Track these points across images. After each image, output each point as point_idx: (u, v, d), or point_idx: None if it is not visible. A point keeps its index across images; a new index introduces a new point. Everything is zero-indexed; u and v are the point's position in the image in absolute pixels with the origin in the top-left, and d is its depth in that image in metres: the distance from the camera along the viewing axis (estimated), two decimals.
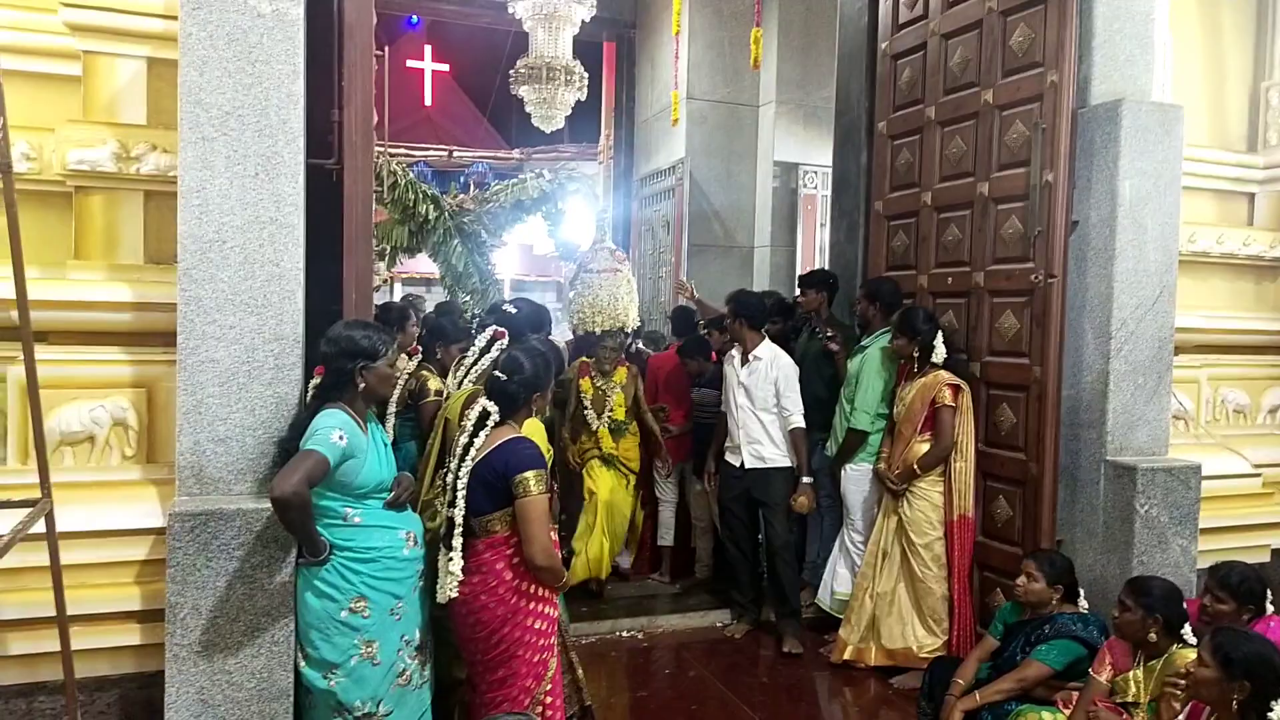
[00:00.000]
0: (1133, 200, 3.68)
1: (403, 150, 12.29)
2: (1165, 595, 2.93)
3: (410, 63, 14.75)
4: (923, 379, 4.05)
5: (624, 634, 4.61)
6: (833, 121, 5.66)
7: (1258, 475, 4.24)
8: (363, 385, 2.57)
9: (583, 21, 7.45)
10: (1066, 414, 3.84)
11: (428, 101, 15.37)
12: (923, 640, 4.02)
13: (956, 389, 4.00)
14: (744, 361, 4.40)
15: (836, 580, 4.41)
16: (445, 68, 15.63)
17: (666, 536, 5.28)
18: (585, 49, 8.74)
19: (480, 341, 3.21)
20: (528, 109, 7.70)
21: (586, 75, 7.58)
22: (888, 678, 4.05)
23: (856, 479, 4.34)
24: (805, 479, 4.37)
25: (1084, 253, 3.79)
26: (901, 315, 4.15)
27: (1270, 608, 2.98)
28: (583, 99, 7.77)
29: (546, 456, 2.79)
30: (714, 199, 8.02)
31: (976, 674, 3.43)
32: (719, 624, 4.74)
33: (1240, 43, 4.53)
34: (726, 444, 4.56)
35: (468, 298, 9.88)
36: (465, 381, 3.20)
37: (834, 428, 4.50)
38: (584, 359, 4.82)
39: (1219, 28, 4.46)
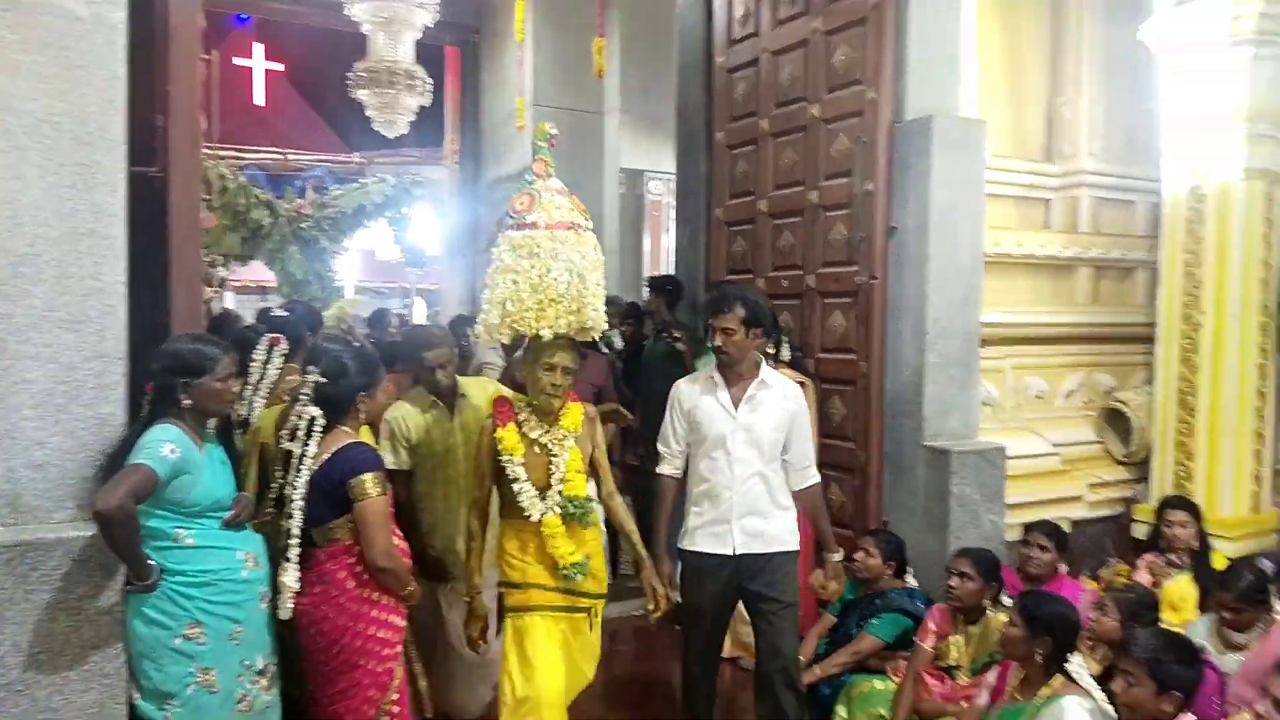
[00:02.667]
0: (943, 207, 4.00)
1: (232, 152, 11.73)
2: (997, 565, 3.28)
3: (238, 60, 14.09)
4: None
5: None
6: (675, 130, 5.86)
7: (1057, 454, 4.69)
8: (189, 402, 2.46)
9: (425, 26, 7.37)
10: (889, 404, 4.13)
11: (259, 101, 14.72)
12: None
13: (802, 385, 4.22)
14: (741, 393, 3.06)
15: None
16: (279, 67, 15.02)
17: None
18: (428, 53, 8.64)
19: (259, 355, 3.14)
20: (368, 113, 7.54)
21: (430, 81, 7.49)
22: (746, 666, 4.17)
23: None
24: (834, 555, 3.24)
25: (902, 256, 4.09)
26: (772, 317, 4.29)
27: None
28: (426, 104, 7.68)
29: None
30: None
31: (815, 649, 3.65)
32: (636, 611, 4.72)
33: (1037, 63, 4.98)
34: (694, 522, 3.12)
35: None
36: (255, 399, 3.11)
37: None
38: (501, 394, 3.04)
39: (1018, 49, 4.90)
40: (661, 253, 8.07)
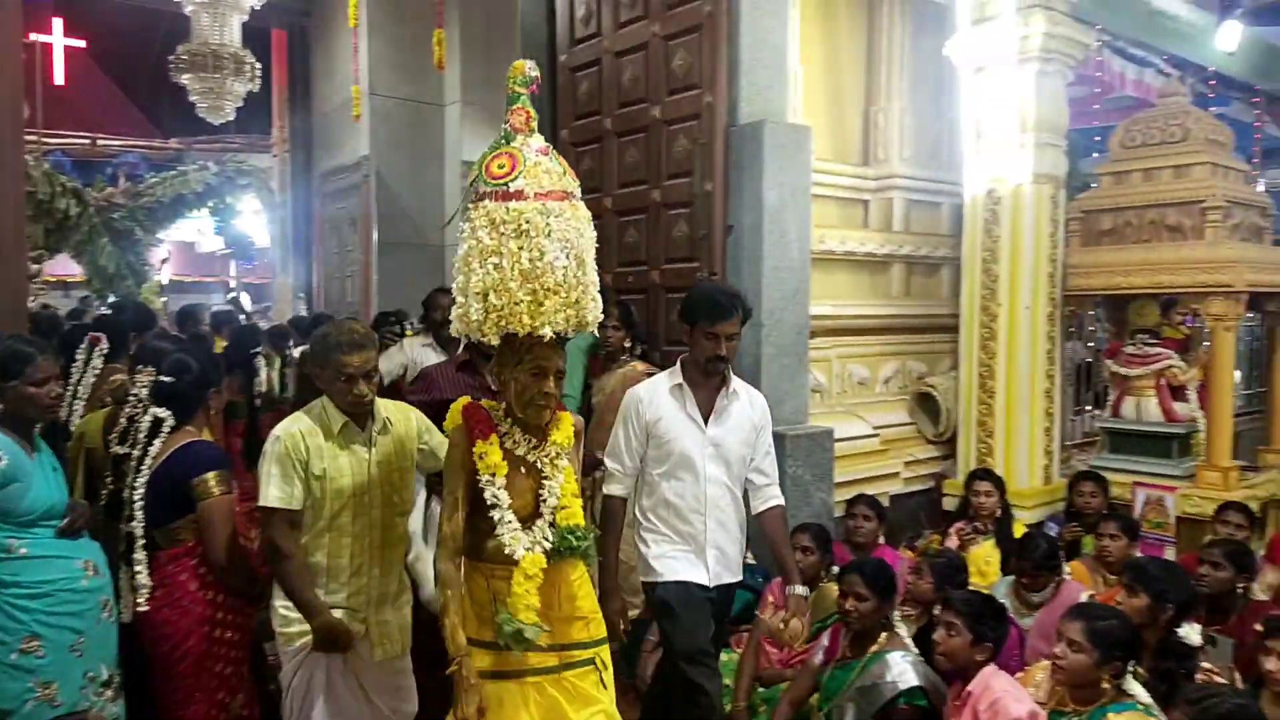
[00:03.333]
0: (775, 207, 4.27)
1: (33, 137, 10.76)
2: (830, 538, 3.58)
3: (36, 36, 12.89)
4: (621, 370, 4.39)
5: None
6: None
7: (877, 435, 5.11)
8: (2, 407, 2.36)
9: (252, 8, 7.05)
10: None
11: (59, 81, 13.52)
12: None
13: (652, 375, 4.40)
14: (710, 403, 2.79)
15: None
16: (80, 43, 13.84)
17: None
18: (252, 35, 8.25)
19: (80, 355, 3.03)
20: (192, 98, 7.13)
21: (259, 65, 7.17)
22: None
23: None
24: (798, 589, 2.84)
25: (739, 253, 4.33)
26: (624, 310, 4.43)
27: None
28: (255, 90, 7.34)
29: None
30: (403, 197, 7.97)
31: None
32: None
33: (854, 73, 5.37)
34: (657, 550, 2.77)
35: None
36: (76, 402, 2.99)
37: None
38: (468, 399, 2.42)
39: (839, 60, 5.27)
40: None
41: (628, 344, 4.26)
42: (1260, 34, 6.84)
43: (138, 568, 2.48)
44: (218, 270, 15.62)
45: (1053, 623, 3.10)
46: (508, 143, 2.30)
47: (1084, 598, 3.28)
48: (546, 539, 2.28)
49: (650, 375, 4.22)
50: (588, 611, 2.40)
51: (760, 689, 3.36)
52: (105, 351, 3.06)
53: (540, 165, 2.27)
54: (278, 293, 9.72)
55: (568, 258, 2.23)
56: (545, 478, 2.34)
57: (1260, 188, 7.96)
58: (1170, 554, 4.25)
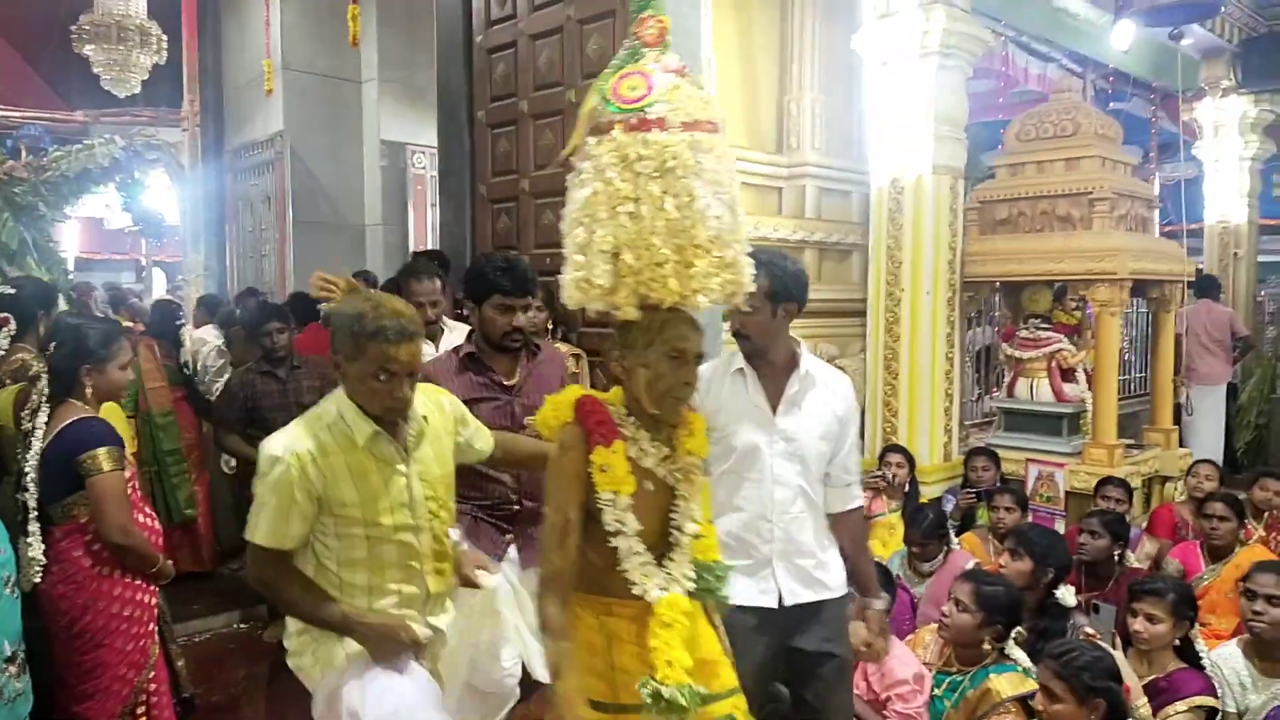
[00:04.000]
0: None
1: None
2: None
3: None
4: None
5: (241, 626, 4.51)
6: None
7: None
8: None
9: None
10: None
11: None
12: None
13: (578, 357, 4.47)
14: (779, 390, 2.34)
15: None
16: None
17: None
18: (161, 4, 7.98)
19: None
20: (95, 70, 6.88)
21: (165, 38, 6.95)
22: None
23: None
24: (877, 602, 2.50)
25: None
26: (546, 291, 4.46)
27: None
28: (161, 63, 7.11)
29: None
30: (320, 175, 7.83)
31: None
32: None
33: (768, 63, 5.49)
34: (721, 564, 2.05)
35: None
36: None
37: None
38: (580, 390, 2.00)
39: (752, 50, 5.37)
40: (426, 228, 8.01)
41: (549, 325, 4.33)
42: (1154, 34, 7.19)
43: (30, 540, 2.48)
44: (127, 248, 15.04)
45: (942, 590, 3.30)
46: (636, 60, 1.85)
47: (971, 565, 3.49)
48: (686, 577, 1.83)
49: (576, 356, 4.33)
50: (718, 655, 1.96)
51: None
52: (12, 333, 3.01)
53: (681, 89, 1.82)
54: (189, 271, 9.45)
55: (722, 205, 1.78)
56: (680, 497, 1.90)
57: (1156, 181, 8.40)
58: (1060, 526, 4.52)
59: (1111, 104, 7.75)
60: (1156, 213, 5.92)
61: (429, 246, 7.86)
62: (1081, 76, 7.23)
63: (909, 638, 3.15)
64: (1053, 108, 5.30)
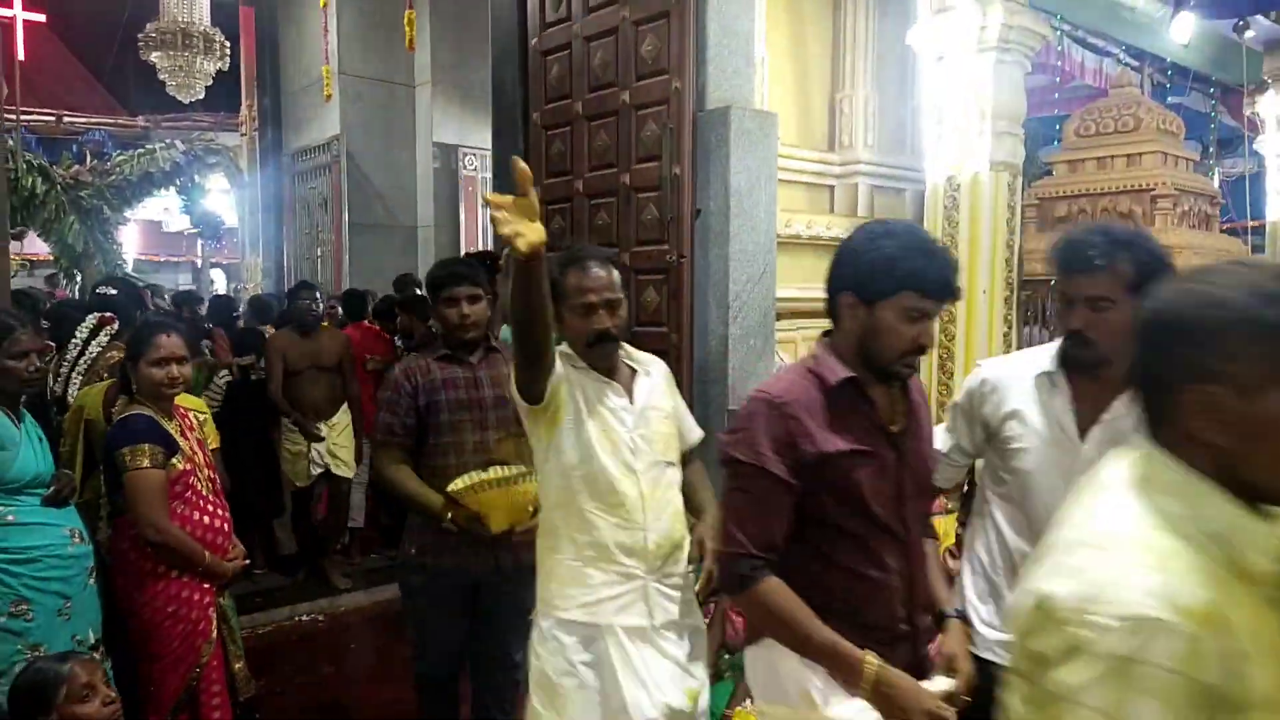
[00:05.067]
0: (741, 192, 4.37)
1: None
2: None
3: None
4: None
5: (304, 618, 4.61)
6: (489, 105, 5.94)
7: None
8: None
9: None
10: (698, 373, 4.49)
11: (20, 56, 13.26)
12: None
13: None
14: (1096, 406, 1.89)
15: None
16: (40, 18, 13.59)
17: (358, 518, 5.34)
18: (221, 12, 8.20)
19: (82, 332, 3.10)
20: (161, 77, 7.10)
21: (228, 44, 7.14)
22: None
23: None
24: None
25: (706, 236, 4.44)
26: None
27: None
28: (225, 69, 7.31)
29: None
30: (374, 178, 7.98)
31: None
32: None
33: (821, 60, 5.48)
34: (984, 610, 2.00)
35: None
36: (75, 375, 3.06)
37: None
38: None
39: (805, 48, 5.37)
40: (477, 229, 8.12)
41: None
42: (1214, 26, 7.03)
43: (103, 525, 2.58)
44: (184, 250, 15.45)
45: None
46: None
47: None
48: None
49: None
50: None
51: (727, 656, 3.50)
52: (114, 331, 3.13)
53: None
54: (247, 273, 9.68)
55: None
56: None
57: (1216, 177, 8.20)
58: None
59: (1170, 98, 7.59)
60: (1218, 209, 5.79)
61: (479, 247, 7.97)
62: (1139, 71, 7.10)
63: None
64: (1113, 102, 5.22)
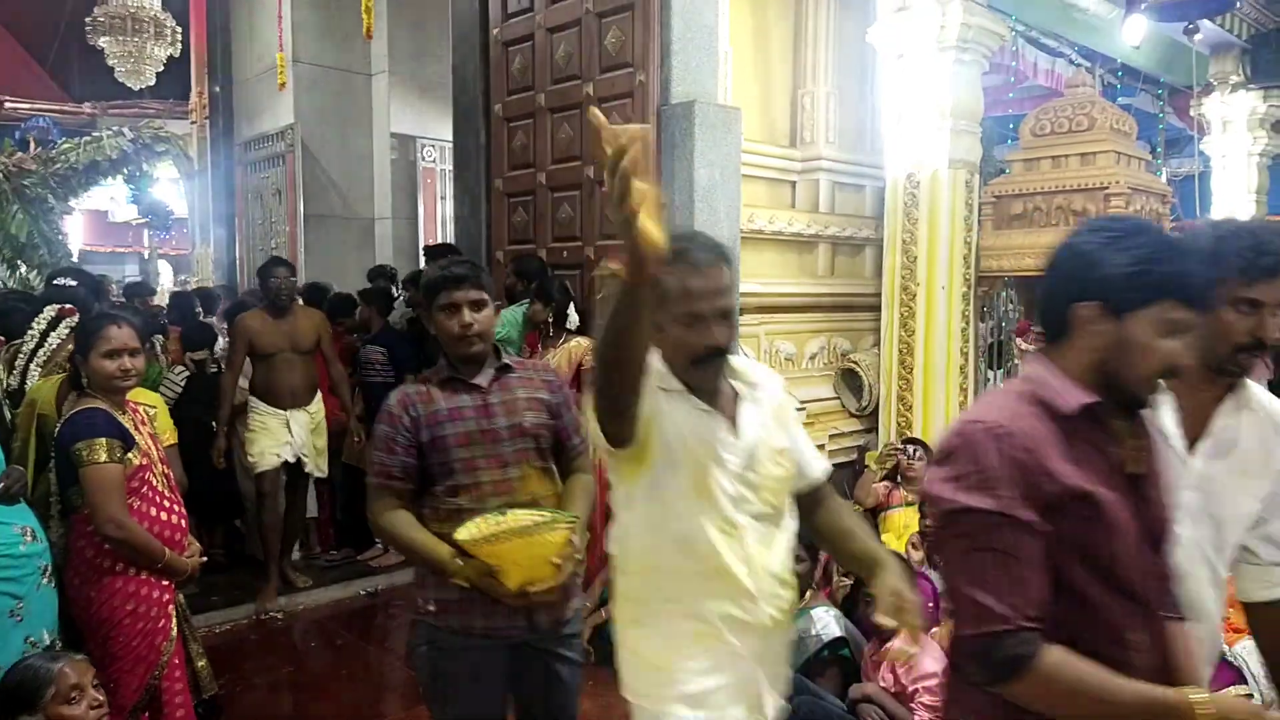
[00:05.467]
0: (706, 187, 4.38)
1: None
2: None
3: None
4: (566, 344, 4.46)
5: (262, 617, 4.53)
6: (448, 96, 5.87)
7: (804, 409, 5.29)
8: None
9: None
10: None
11: None
12: None
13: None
14: (1201, 417, 1.79)
15: None
16: None
17: (311, 507, 5.26)
18: None
19: (39, 324, 3.01)
20: (110, 63, 6.89)
21: (180, 30, 6.95)
22: None
23: None
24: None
25: (671, 230, 4.43)
26: (538, 284, 4.51)
27: None
28: (175, 54, 7.12)
29: None
30: (330, 168, 7.84)
31: (600, 596, 3.97)
32: (361, 591, 4.83)
33: (783, 56, 5.50)
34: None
35: (35, 272, 8.60)
36: (33, 369, 2.97)
37: None
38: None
39: (768, 43, 5.39)
40: (436, 221, 8.02)
41: (550, 319, 4.34)
42: (1163, 29, 7.19)
43: (54, 520, 2.51)
44: (131, 240, 15.06)
45: None
46: None
47: None
48: None
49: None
50: None
51: None
52: (73, 324, 3.02)
53: None
54: (197, 264, 9.46)
55: None
56: None
57: (1163, 176, 8.41)
58: None
59: (1120, 99, 7.76)
60: (1169, 208, 5.93)
61: (439, 239, 7.89)
62: (1090, 71, 7.24)
63: (934, 630, 3.18)
64: (1068, 102, 5.31)
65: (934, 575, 3.76)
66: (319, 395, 4.85)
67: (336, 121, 7.90)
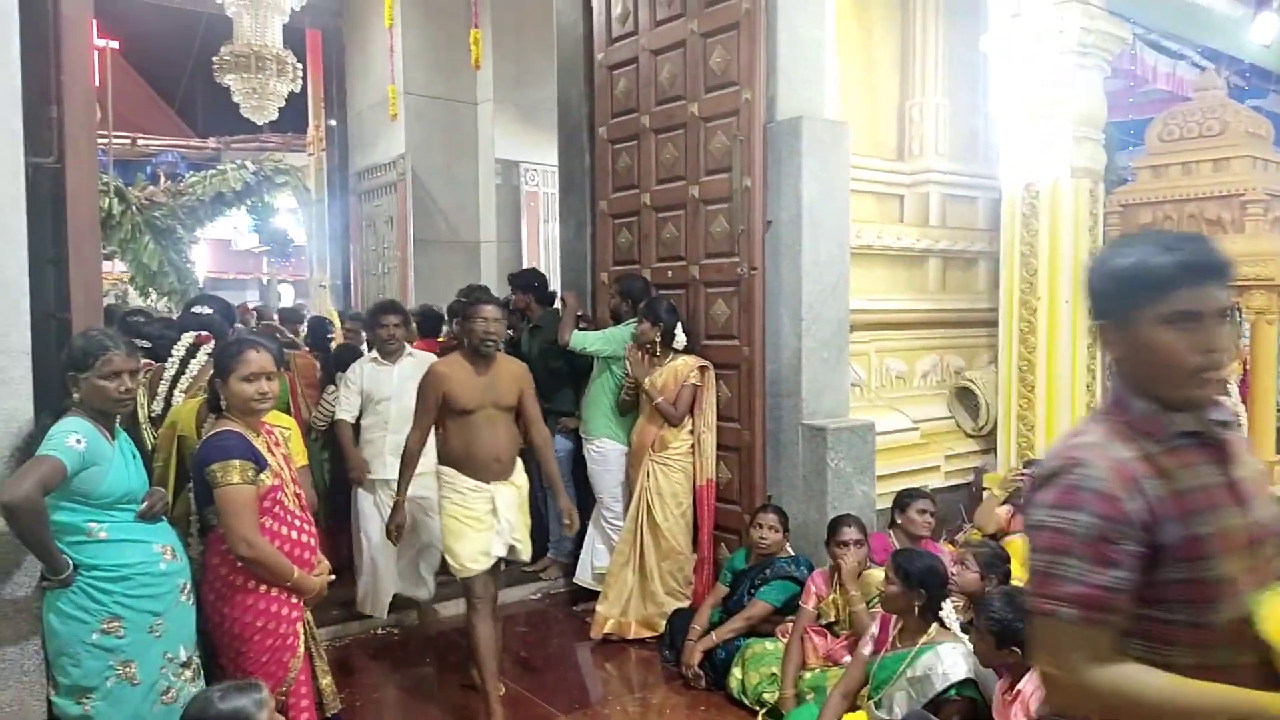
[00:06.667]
0: (813, 202, 4.31)
1: None
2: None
3: None
4: (673, 363, 4.45)
5: (379, 631, 4.64)
6: (550, 121, 5.97)
7: (916, 429, 5.14)
8: (76, 395, 2.45)
9: (291, 9, 7.19)
10: (770, 386, 4.43)
11: (96, 82, 13.77)
12: (672, 604, 4.33)
13: (704, 369, 4.47)
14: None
15: (595, 555, 4.72)
16: (114, 44, 14.08)
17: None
18: (288, 35, 8.38)
19: (179, 351, 3.13)
20: (235, 99, 7.30)
21: (300, 66, 7.31)
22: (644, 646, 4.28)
23: (600, 458, 4.68)
24: None
25: (778, 248, 4.38)
26: (646, 304, 4.52)
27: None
28: (296, 90, 7.49)
29: None
30: (437, 195, 8.08)
31: (710, 618, 3.91)
32: None
33: (890, 68, 5.40)
34: None
35: (165, 299, 9.14)
36: (176, 394, 3.10)
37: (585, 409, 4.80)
38: None
39: (874, 55, 5.30)
40: (539, 243, 8.17)
41: (658, 339, 4.36)
42: None
43: (194, 539, 2.60)
44: (251, 267, 15.84)
45: None
46: None
47: None
48: None
49: (701, 366, 4.33)
50: None
51: (806, 675, 3.43)
52: (210, 351, 3.14)
53: None
54: (313, 290, 9.87)
55: None
56: None
57: None
58: None
59: (1247, 101, 7.34)
60: None
61: (541, 262, 8.01)
62: (1215, 73, 6.87)
63: None
64: (1197, 106, 5.05)
65: None
66: (520, 464, 3.76)
67: (444, 150, 8.14)
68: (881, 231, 5.13)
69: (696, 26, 4.68)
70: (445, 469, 3.58)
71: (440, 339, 5.69)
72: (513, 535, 3.60)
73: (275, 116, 7.76)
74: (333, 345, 5.88)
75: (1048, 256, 4.80)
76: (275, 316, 7.85)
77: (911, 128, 5.41)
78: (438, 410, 3.53)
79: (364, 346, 5.72)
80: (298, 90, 7.67)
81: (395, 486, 3.73)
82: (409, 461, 3.60)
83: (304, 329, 6.30)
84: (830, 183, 4.40)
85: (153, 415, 3.00)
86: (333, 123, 9.01)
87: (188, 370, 3.07)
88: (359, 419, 4.46)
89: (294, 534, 2.71)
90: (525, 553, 3.73)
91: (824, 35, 4.61)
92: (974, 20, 5.23)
